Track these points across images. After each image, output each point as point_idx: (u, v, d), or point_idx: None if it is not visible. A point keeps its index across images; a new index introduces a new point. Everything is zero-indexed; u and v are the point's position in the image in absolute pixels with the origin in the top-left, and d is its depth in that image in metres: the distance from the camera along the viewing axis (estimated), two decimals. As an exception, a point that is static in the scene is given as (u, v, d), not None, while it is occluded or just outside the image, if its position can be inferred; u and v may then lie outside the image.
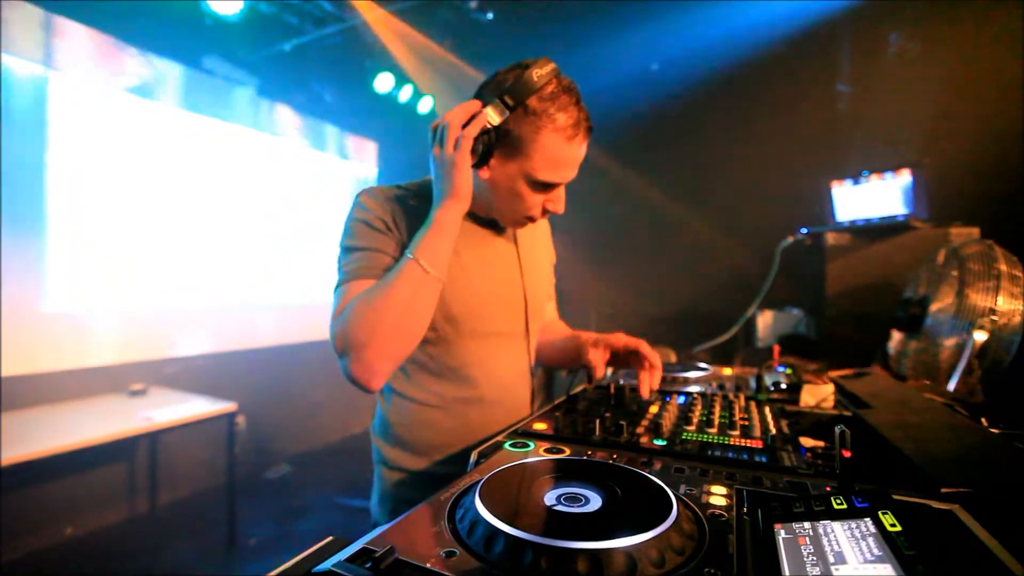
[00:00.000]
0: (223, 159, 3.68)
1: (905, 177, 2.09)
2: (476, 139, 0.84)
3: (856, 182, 2.24)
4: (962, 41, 2.59)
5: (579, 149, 0.90)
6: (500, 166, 0.90)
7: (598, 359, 0.98)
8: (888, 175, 2.14)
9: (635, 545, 0.44)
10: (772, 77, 3.22)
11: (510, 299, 1.05)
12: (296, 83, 3.94)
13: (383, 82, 3.93)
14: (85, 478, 2.88)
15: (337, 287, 0.90)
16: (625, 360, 1.01)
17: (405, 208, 0.95)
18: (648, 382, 0.96)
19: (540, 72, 0.84)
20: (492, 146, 0.87)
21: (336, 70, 3.89)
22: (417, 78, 4.13)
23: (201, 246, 3.53)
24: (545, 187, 0.91)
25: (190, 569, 2.59)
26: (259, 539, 2.88)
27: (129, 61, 3.13)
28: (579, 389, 1.11)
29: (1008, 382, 1.14)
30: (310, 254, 4.29)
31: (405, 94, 4.11)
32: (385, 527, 0.50)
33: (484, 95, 0.88)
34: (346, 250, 0.92)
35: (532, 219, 0.96)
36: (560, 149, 0.87)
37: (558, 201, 0.95)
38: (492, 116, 0.85)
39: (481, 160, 0.88)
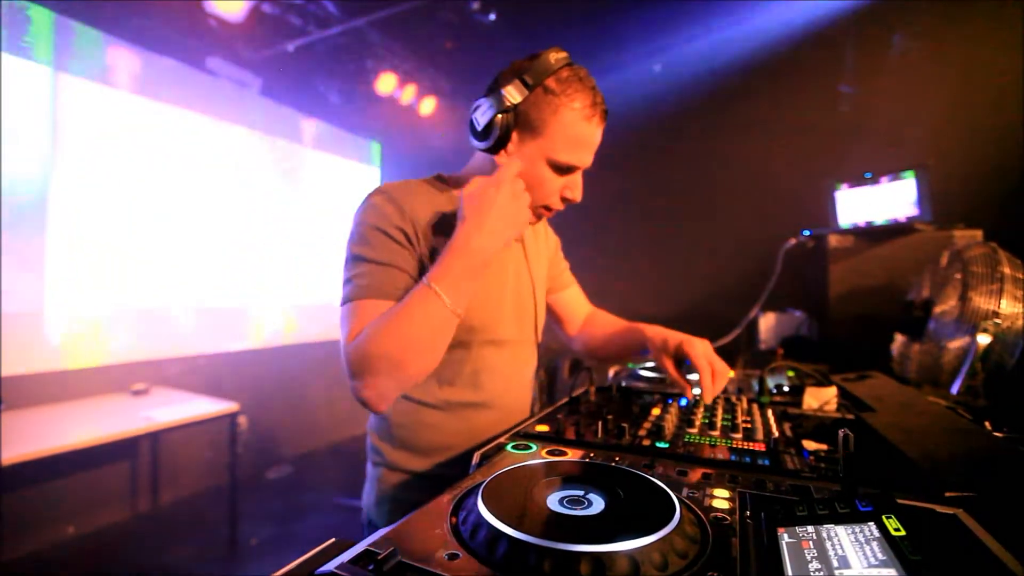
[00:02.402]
0: (226, 160, 3.69)
1: (908, 179, 2.08)
2: (493, 120, 0.87)
3: (859, 184, 2.23)
4: (966, 42, 2.58)
5: (596, 131, 0.91)
6: (519, 149, 0.90)
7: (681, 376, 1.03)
8: (891, 177, 2.13)
9: (638, 548, 0.44)
10: (775, 78, 3.22)
11: (523, 306, 1.06)
12: (299, 84, 3.95)
13: (386, 83, 3.94)
14: (87, 478, 2.89)
15: (348, 301, 0.84)
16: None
17: (427, 208, 0.90)
18: (710, 388, 0.96)
19: (557, 56, 0.88)
20: (511, 127, 0.88)
21: (339, 71, 3.90)
22: (420, 79, 4.14)
23: (204, 246, 3.54)
24: (564, 170, 0.91)
25: (191, 569, 2.59)
26: (260, 540, 2.88)
27: (132, 62, 3.14)
28: (581, 391, 1.11)
29: (1011, 385, 1.14)
30: (313, 254, 4.30)
31: (408, 95, 4.13)
32: (387, 529, 0.50)
33: (499, 82, 0.89)
34: (357, 259, 0.86)
35: (549, 209, 0.96)
36: (579, 128, 0.88)
37: (575, 187, 0.94)
38: (513, 94, 0.86)
39: (500, 142, 0.88)
